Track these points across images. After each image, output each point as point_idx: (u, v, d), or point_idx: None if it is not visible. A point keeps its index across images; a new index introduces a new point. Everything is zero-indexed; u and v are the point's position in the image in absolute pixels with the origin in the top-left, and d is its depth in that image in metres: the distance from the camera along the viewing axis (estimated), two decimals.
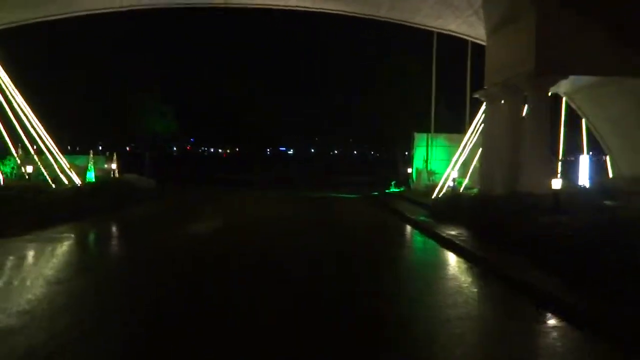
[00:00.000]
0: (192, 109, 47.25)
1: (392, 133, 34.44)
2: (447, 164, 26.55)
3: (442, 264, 9.96)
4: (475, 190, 16.76)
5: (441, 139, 26.17)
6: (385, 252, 11.17)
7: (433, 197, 18.90)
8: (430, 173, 25.59)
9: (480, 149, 16.24)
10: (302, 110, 47.37)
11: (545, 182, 11.93)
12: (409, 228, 14.43)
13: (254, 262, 9.55)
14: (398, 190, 26.21)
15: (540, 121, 12.08)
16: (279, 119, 50.19)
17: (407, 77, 32.08)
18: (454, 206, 14.11)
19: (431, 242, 11.75)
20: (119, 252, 11.19)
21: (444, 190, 18.00)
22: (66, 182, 18.80)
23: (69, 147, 30.58)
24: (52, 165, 18.56)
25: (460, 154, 17.98)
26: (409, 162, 32.56)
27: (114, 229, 14.33)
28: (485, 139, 15.07)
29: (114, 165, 24.58)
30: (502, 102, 14.41)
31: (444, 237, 11.41)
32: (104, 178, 22.50)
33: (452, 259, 9.98)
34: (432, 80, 24.33)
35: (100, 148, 32.98)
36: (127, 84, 33.51)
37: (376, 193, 26.43)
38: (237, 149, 72.33)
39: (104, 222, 14.65)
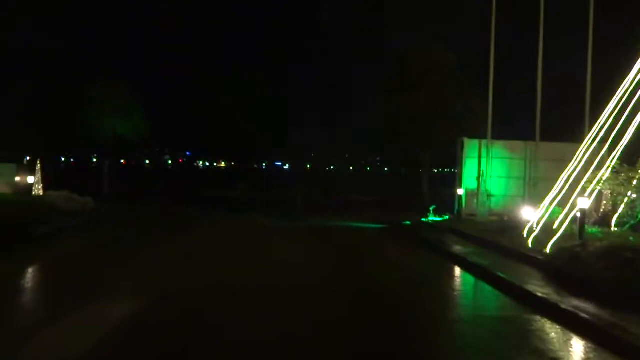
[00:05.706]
0: (187, 120, 40.31)
1: (416, 141, 26.99)
2: (507, 182, 19.08)
3: None
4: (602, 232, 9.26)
5: (499, 148, 18.63)
6: None
7: (530, 240, 11.30)
8: (487, 196, 18.12)
9: None
10: (300, 122, 39.71)
11: None
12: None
13: None
14: (440, 219, 18.56)
15: None
16: (276, 130, 41.98)
17: (434, 70, 25.03)
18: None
19: None
20: None
21: (561, 231, 10.32)
22: None
23: None
24: None
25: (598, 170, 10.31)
26: (439, 180, 25.23)
27: None
28: None
29: (31, 179, 16.98)
30: None
31: None
32: (4, 198, 14.94)
33: None
34: (490, 54, 16.98)
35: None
36: (77, 73, 25.85)
37: (408, 222, 18.82)
38: (232, 164, 65.58)
39: None
